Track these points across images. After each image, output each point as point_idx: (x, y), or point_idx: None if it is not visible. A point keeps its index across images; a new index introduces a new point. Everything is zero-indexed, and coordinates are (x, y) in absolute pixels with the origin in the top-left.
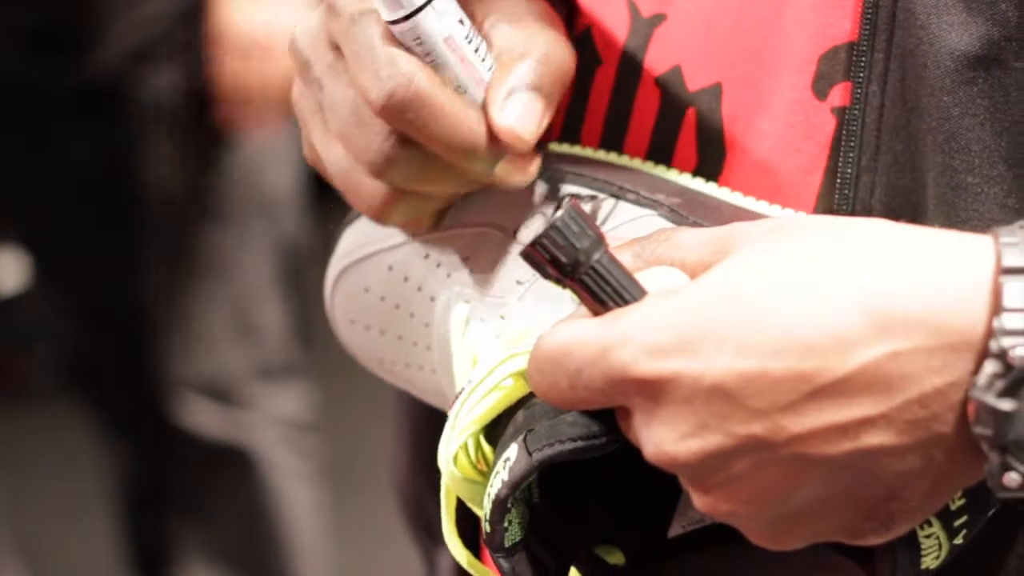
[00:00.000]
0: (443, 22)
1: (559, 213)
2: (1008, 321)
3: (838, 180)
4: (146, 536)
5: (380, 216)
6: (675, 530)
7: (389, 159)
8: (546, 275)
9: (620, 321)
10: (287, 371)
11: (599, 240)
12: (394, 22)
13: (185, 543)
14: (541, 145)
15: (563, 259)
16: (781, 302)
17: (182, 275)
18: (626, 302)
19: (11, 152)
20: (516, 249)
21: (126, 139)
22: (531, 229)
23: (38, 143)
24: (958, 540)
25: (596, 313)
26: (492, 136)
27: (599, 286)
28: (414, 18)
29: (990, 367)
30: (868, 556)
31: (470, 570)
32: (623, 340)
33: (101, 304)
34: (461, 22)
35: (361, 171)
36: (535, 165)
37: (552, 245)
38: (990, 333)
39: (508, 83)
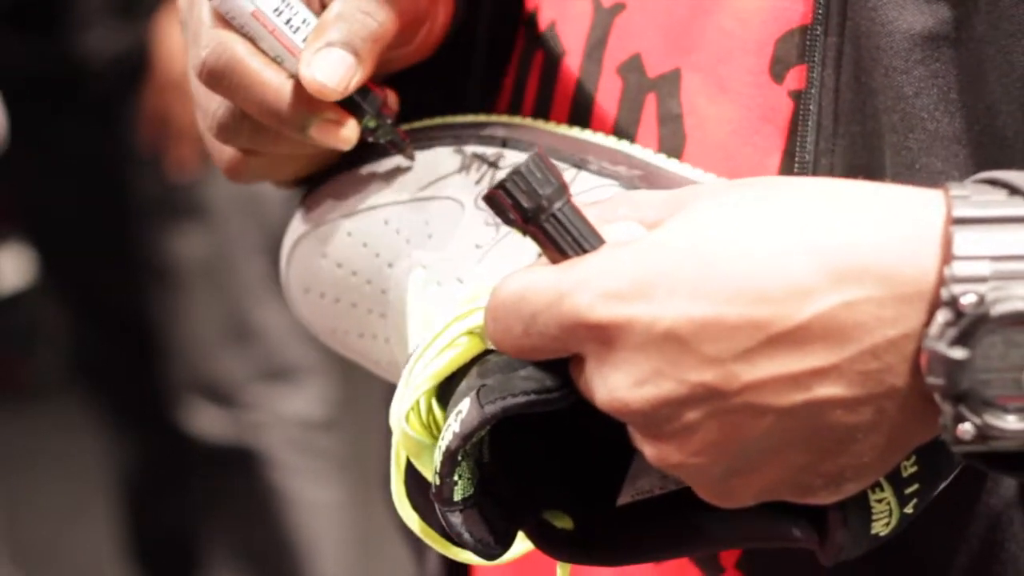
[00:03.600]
0: None
1: (524, 159)
2: (958, 269)
3: (796, 163)
4: (153, 535)
5: (235, 176)
6: (624, 499)
7: (223, 125)
8: (507, 220)
9: (576, 268)
10: (293, 371)
11: (562, 189)
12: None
13: (192, 544)
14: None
15: (525, 204)
16: (736, 251)
17: (171, 277)
18: (585, 251)
19: (14, 144)
20: (476, 212)
21: (116, 130)
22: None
23: (35, 133)
24: (909, 509)
25: (555, 261)
26: (297, 98)
27: (559, 233)
28: None
29: (942, 316)
30: (820, 525)
31: (420, 535)
32: (578, 286)
33: (101, 303)
34: None
35: (211, 134)
36: (350, 128)
37: (515, 190)
38: (941, 281)
39: (318, 42)
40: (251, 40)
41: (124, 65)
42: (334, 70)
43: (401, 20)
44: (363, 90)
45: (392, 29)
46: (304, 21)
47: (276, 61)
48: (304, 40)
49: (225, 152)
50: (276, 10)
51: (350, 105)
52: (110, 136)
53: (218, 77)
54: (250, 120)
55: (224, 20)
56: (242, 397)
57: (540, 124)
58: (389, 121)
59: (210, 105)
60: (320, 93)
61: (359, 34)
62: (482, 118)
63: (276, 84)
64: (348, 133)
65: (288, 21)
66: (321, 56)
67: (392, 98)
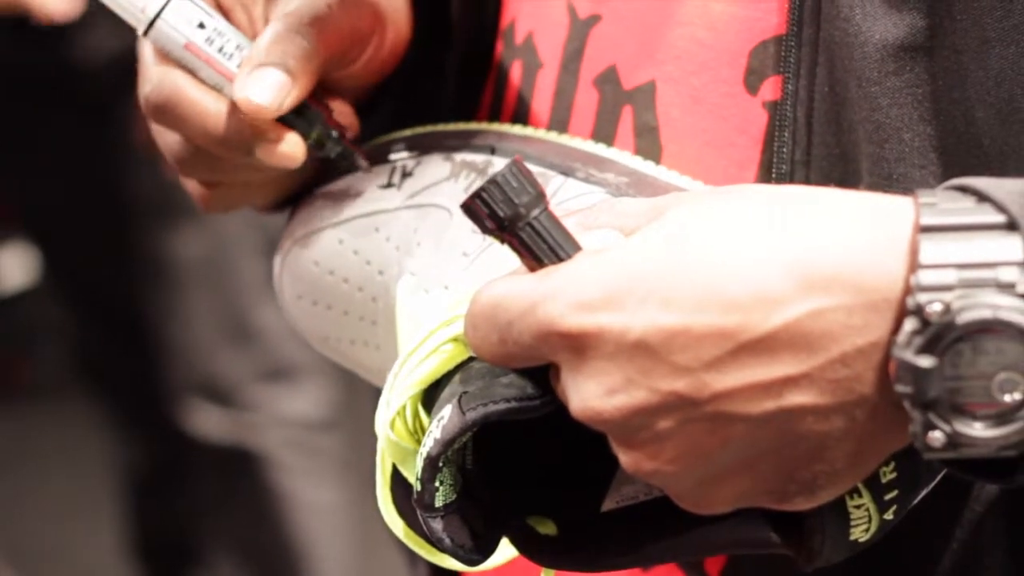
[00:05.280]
0: (178, 31)
1: (501, 168)
2: (924, 277)
3: (773, 174)
4: (152, 535)
5: (208, 207)
6: (608, 505)
7: (179, 159)
8: (484, 228)
9: (550, 276)
10: (293, 371)
11: (539, 197)
12: (144, 36)
13: (193, 543)
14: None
15: (501, 213)
16: (706, 260)
17: (170, 277)
18: (561, 259)
19: (14, 144)
20: (463, 219)
21: (115, 129)
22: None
23: (34, 133)
24: (889, 515)
25: (532, 269)
26: (238, 122)
27: (535, 242)
28: (149, 33)
29: (909, 324)
30: (798, 532)
31: (405, 540)
32: (551, 294)
33: (101, 302)
34: (202, 26)
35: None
36: (292, 145)
37: (491, 199)
38: (908, 290)
39: (249, 64)
40: (190, 72)
41: (122, 64)
42: (266, 89)
43: (339, 39)
44: (302, 107)
45: (327, 48)
46: (238, 47)
47: (217, 89)
48: (239, 66)
49: (192, 185)
50: (208, 39)
51: (293, 124)
52: (109, 135)
53: (161, 111)
54: (204, 151)
55: (165, 55)
56: (241, 397)
57: (529, 132)
58: (335, 135)
59: (166, 141)
60: (255, 112)
61: (291, 53)
62: (472, 126)
63: (215, 111)
64: (292, 150)
65: (221, 49)
66: (253, 77)
67: (342, 109)
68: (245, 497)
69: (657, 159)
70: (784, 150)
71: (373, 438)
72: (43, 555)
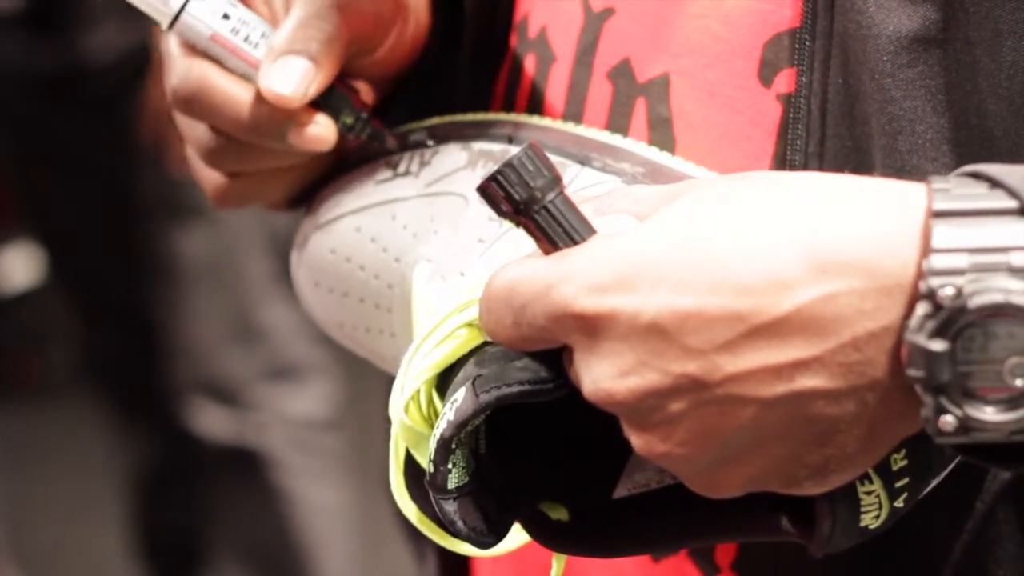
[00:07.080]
0: (204, 23)
1: (517, 151)
2: (936, 261)
3: (786, 167)
4: (158, 534)
5: (222, 201)
6: (620, 492)
7: (208, 149)
8: (500, 212)
9: (565, 259)
10: (298, 370)
11: (555, 181)
12: (169, 30)
13: (197, 542)
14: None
15: (516, 196)
16: (720, 243)
17: (176, 275)
18: (576, 243)
19: (20, 143)
20: (480, 207)
21: (122, 128)
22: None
23: (41, 131)
24: (899, 503)
25: (547, 253)
26: (268, 109)
27: (550, 225)
28: (175, 27)
29: (921, 308)
30: (809, 518)
31: (418, 525)
32: (566, 277)
33: (107, 301)
34: (226, 16)
35: (199, 161)
36: (324, 127)
37: (507, 182)
38: (920, 274)
39: (273, 53)
40: (217, 62)
41: (129, 63)
42: (290, 78)
43: (362, 23)
44: (329, 91)
45: (349, 31)
46: (263, 35)
47: (244, 78)
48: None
49: (211, 178)
50: (233, 30)
51: (322, 108)
52: (115, 134)
53: (190, 102)
54: (234, 140)
55: (191, 47)
56: (246, 396)
57: (547, 122)
58: (364, 116)
59: (194, 132)
60: (280, 102)
61: (314, 38)
62: (490, 116)
63: (245, 100)
64: (324, 132)
65: (247, 38)
66: (277, 67)
67: (366, 92)
68: (249, 496)
69: (671, 151)
70: (798, 142)
71: (377, 437)
72: (50, 554)
